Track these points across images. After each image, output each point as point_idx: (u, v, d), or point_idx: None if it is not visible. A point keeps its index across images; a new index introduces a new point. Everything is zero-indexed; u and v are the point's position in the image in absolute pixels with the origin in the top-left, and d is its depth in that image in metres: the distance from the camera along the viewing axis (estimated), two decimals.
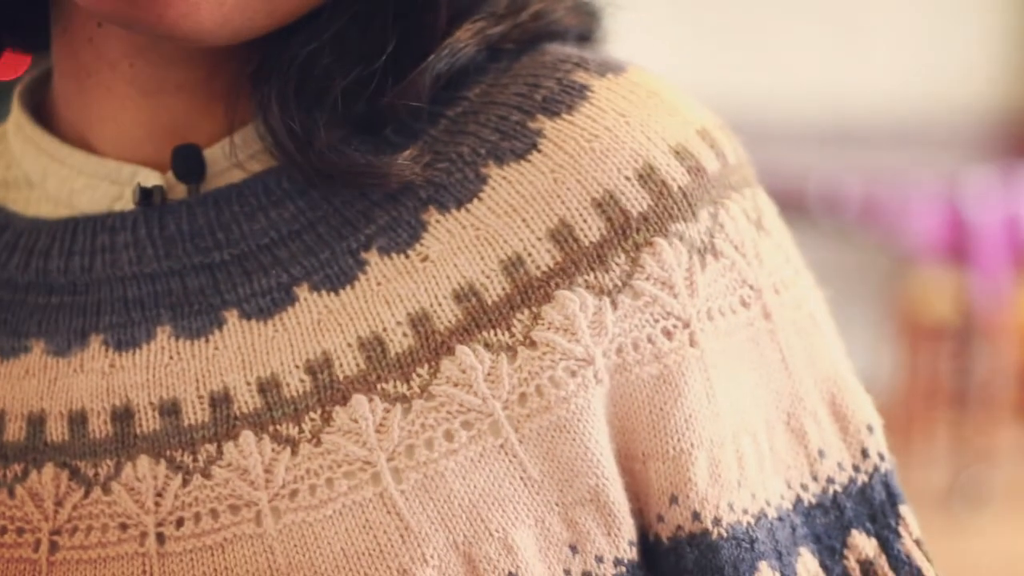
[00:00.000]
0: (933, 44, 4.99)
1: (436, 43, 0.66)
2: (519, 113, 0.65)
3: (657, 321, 0.64)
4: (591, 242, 0.63)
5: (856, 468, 0.68)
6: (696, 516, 0.65)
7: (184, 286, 0.66)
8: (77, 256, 0.68)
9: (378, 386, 0.63)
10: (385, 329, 0.63)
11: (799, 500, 0.67)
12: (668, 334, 0.64)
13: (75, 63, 0.69)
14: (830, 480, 0.67)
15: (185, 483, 0.63)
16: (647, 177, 0.64)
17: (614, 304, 0.63)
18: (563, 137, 0.65)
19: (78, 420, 0.66)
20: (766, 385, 0.67)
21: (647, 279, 0.64)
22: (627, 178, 0.64)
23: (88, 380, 0.66)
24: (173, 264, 0.66)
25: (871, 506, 0.68)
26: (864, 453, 0.68)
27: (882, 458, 0.69)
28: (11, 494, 0.65)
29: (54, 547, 0.64)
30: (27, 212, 0.71)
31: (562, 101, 0.66)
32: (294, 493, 0.62)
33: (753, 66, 4.77)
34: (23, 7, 0.72)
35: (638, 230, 0.64)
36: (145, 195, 0.67)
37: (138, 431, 0.65)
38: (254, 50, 0.66)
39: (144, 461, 0.64)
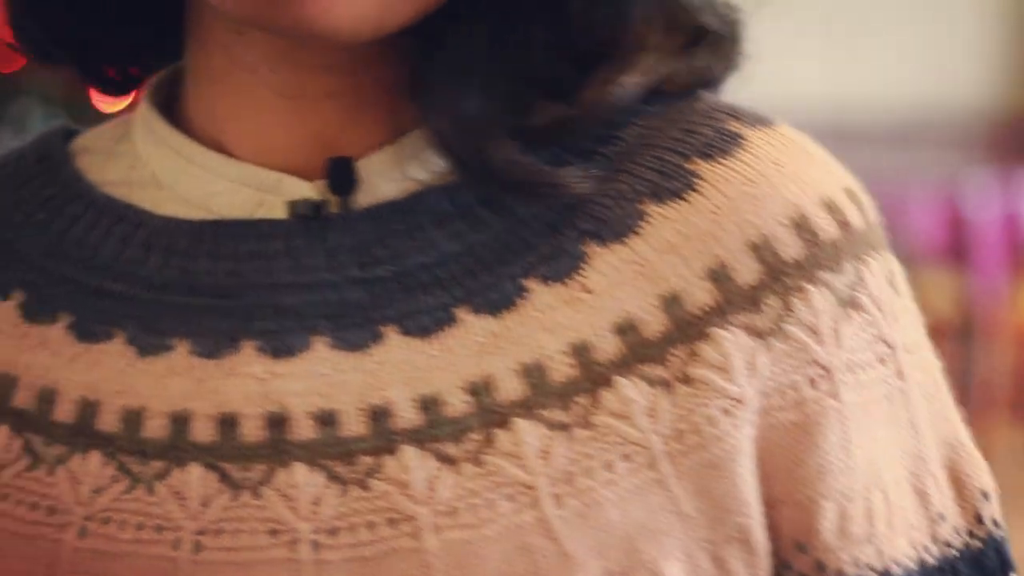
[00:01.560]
0: (933, 44, 5.00)
1: (617, 67, 0.66)
2: (675, 155, 0.67)
3: (803, 368, 0.65)
4: (747, 284, 0.64)
5: (971, 534, 0.69)
6: (820, 566, 0.65)
7: (342, 298, 0.66)
8: (223, 260, 0.67)
9: (538, 412, 0.64)
10: (547, 356, 0.64)
11: (923, 563, 0.67)
12: (812, 382, 0.65)
13: (208, 67, 0.69)
14: (948, 544, 0.68)
15: (342, 493, 0.64)
16: (801, 226, 0.65)
17: (767, 346, 0.64)
18: (720, 180, 0.66)
19: (228, 423, 0.65)
20: (897, 444, 0.67)
21: (797, 324, 0.65)
22: (782, 224, 0.65)
23: (241, 384, 0.66)
24: (332, 276, 0.66)
25: (983, 572, 0.69)
26: (979, 519, 0.69)
27: (996, 525, 0.69)
28: (150, 491, 0.65)
29: (198, 547, 0.64)
30: (156, 212, 0.70)
31: (717, 146, 0.67)
32: (454, 511, 0.63)
33: (752, 66, 4.76)
34: (161, 12, 0.71)
35: (790, 275, 0.65)
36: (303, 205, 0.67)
37: (293, 438, 0.65)
38: (401, 58, 0.66)
39: (299, 468, 0.64)
